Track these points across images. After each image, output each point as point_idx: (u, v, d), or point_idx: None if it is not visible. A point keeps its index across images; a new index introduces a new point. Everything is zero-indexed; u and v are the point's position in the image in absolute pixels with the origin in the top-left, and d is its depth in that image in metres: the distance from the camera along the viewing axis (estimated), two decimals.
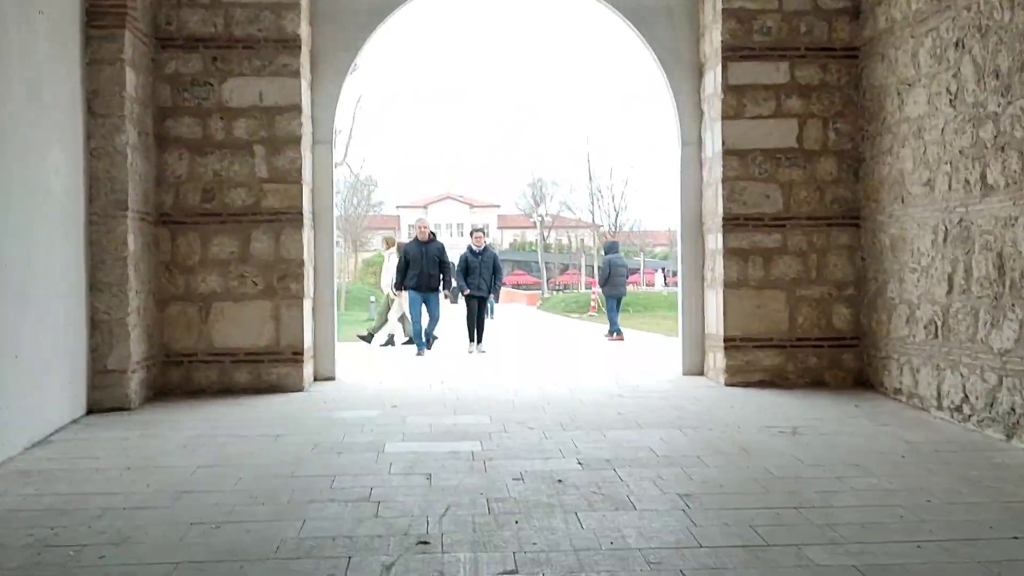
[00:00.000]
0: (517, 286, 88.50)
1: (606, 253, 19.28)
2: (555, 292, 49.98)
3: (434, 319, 14.18)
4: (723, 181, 9.25)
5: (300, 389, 9.02)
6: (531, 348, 15.58)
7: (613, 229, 42.67)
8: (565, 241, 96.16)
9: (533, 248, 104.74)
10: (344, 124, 42.58)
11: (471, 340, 14.41)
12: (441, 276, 13.95)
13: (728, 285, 9.25)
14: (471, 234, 15.52)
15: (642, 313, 37.69)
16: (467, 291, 14.51)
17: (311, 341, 9.50)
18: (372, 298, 32.98)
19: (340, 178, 42.12)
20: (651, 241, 73.04)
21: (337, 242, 40.70)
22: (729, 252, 9.25)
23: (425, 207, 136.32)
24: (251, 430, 7.12)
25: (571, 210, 46.50)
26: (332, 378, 9.81)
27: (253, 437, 6.84)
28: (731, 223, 9.25)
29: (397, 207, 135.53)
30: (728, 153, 9.24)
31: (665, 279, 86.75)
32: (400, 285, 14.05)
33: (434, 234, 14.28)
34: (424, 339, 13.85)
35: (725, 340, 9.25)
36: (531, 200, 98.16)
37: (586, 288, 58.74)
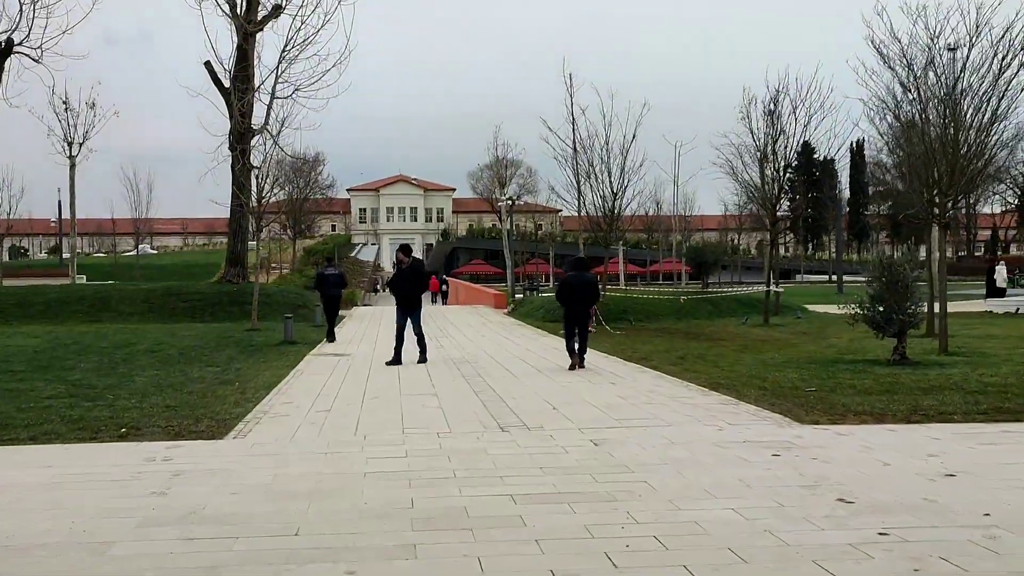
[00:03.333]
0: (477, 278, 79.83)
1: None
2: (527, 291, 41.05)
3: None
4: None
5: None
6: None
7: (608, 210, 30.15)
8: (529, 227, 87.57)
9: (493, 235, 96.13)
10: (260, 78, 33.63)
11: None
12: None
13: None
14: None
15: (643, 324, 29.05)
16: None
17: None
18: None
19: (269, 154, 32.90)
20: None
21: (270, 226, 31.59)
22: None
23: (377, 190, 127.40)
24: None
25: (554, 191, 34.60)
26: None
27: None
28: None
29: (348, 190, 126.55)
30: None
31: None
32: None
33: None
34: None
35: None
36: (491, 183, 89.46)
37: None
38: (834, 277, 70.54)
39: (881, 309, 15.94)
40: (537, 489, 6.86)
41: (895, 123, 19.19)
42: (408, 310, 17.08)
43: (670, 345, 20.51)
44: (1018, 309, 31.60)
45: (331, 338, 22.23)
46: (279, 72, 32.47)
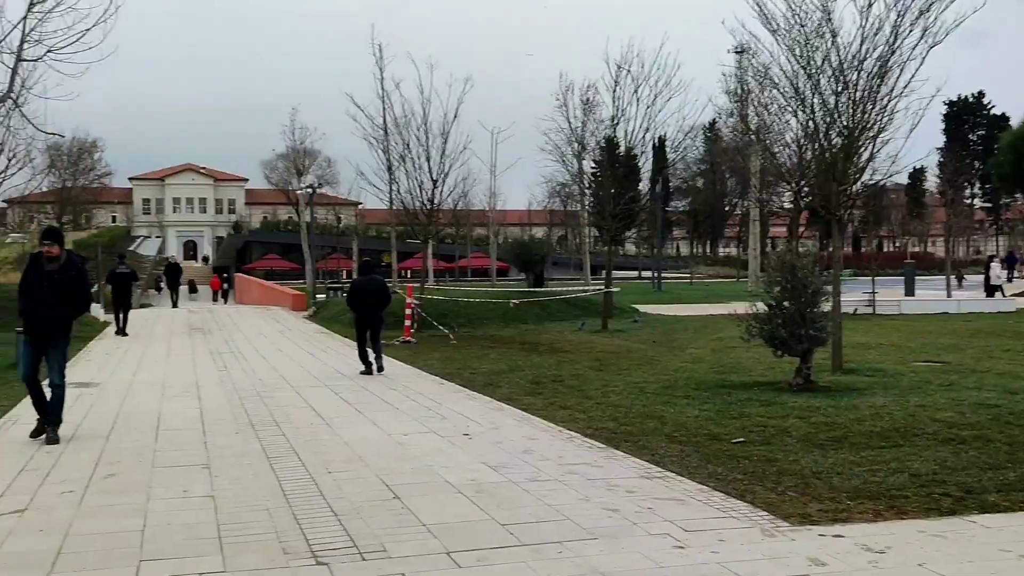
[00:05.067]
0: (272, 274, 73.98)
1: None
2: (331, 292, 36.49)
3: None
4: None
5: None
6: None
7: (427, 200, 24.75)
8: (329, 219, 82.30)
9: (290, 228, 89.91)
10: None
11: None
12: None
13: None
14: None
15: (468, 331, 25.21)
16: None
17: None
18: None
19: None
20: None
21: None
22: None
23: (162, 179, 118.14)
24: None
25: (362, 176, 29.39)
26: None
27: None
28: None
29: (130, 179, 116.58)
30: None
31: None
32: None
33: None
34: None
35: None
36: (287, 172, 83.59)
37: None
38: (644, 273, 69.54)
39: (781, 323, 12.90)
40: None
41: (776, 95, 16.26)
42: (44, 336, 9.51)
43: (511, 361, 16.90)
44: (856, 310, 30.10)
45: (124, 334, 23.36)
46: (27, 28, 26.69)
